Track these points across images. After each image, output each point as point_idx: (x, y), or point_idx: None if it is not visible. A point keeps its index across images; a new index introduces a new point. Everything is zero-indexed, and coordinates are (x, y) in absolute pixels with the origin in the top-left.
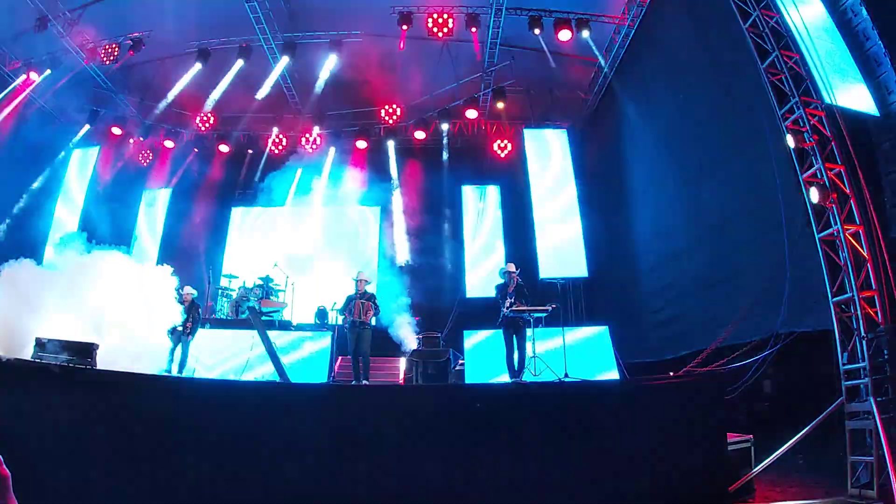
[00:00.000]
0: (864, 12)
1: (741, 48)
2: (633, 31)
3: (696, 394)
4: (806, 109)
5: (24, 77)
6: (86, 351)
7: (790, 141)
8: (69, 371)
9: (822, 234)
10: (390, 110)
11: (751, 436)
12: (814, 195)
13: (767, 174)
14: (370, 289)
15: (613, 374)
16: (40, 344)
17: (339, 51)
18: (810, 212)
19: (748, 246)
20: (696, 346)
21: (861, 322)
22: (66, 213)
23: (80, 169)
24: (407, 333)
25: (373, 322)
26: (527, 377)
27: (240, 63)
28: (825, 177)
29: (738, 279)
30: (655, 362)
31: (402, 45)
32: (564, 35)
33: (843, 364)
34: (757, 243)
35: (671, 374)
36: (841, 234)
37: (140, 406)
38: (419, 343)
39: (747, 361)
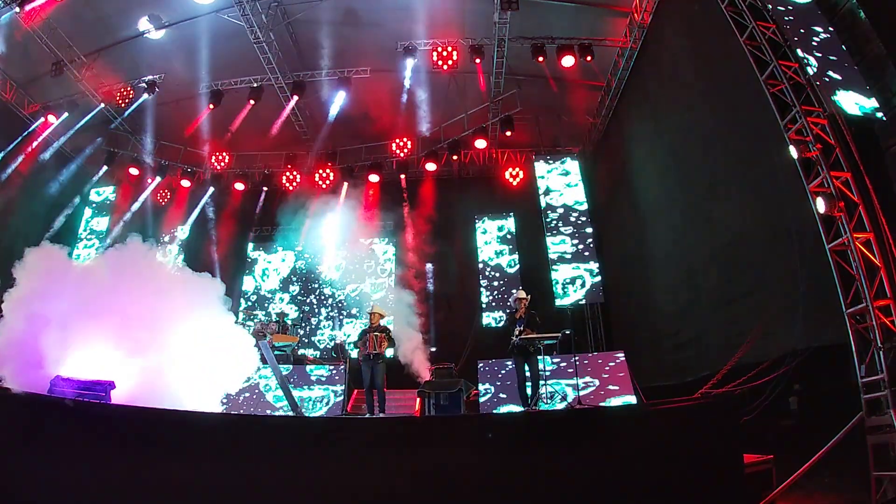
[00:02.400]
0: (863, 15)
1: (741, 62)
2: (636, 53)
3: (710, 416)
4: (808, 118)
5: (42, 120)
6: (99, 387)
7: (794, 151)
8: (83, 406)
9: (832, 245)
10: (401, 143)
11: (771, 456)
12: (821, 205)
13: (776, 187)
14: (384, 322)
15: (630, 400)
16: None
17: (348, 87)
18: (819, 222)
19: (762, 262)
20: (714, 366)
21: (877, 332)
22: (86, 253)
23: (98, 209)
24: (421, 365)
25: (388, 354)
26: (540, 405)
27: (252, 103)
28: (832, 185)
29: (753, 296)
30: (674, 385)
31: (408, 80)
32: (568, 61)
33: (862, 377)
34: (771, 258)
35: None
36: (851, 244)
37: (151, 439)
38: (433, 374)
39: (765, 380)
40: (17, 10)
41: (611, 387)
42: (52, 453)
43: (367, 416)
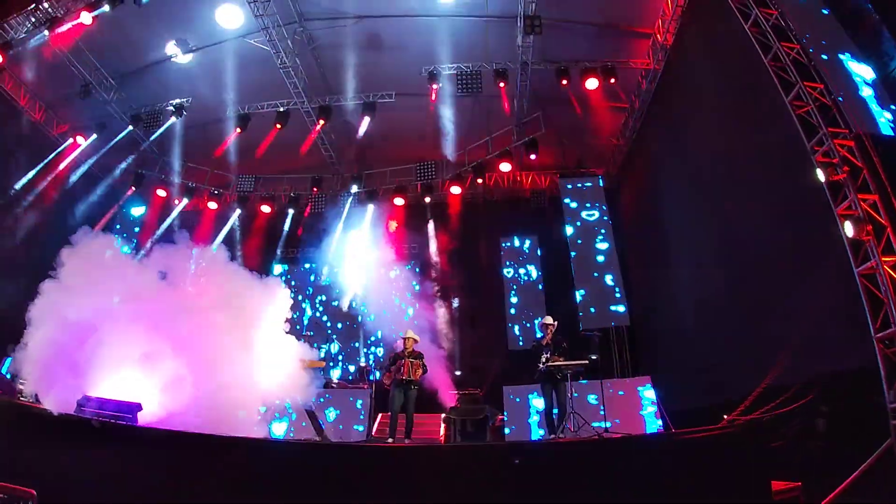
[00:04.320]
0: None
1: (766, 83)
2: (660, 75)
3: (739, 444)
4: (834, 140)
5: (70, 140)
6: (127, 409)
7: (821, 175)
8: (109, 427)
9: (860, 269)
10: (426, 167)
11: (799, 483)
12: (849, 229)
13: (803, 210)
14: (417, 347)
15: (658, 426)
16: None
17: (373, 111)
18: (847, 246)
19: (789, 285)
20: (741, 391)
21: None
22: None
23: (126, 229)
24: (447, 390)
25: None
26: (567, 432)
27: (278, 126)
28: (859, 208)
29: (781, 319)
30: (701, 409)
31: (432, 104)
32: (592, 83)
33: (890, 402)
34: (798, 281)
35: (723, 419)
36: (880, 267)
37: (177, 462)
38: (458, 400)
39: (794, 406)
40: (47, 33)
41: (636, 412)
42: (78, 474)
43: (390, 440)
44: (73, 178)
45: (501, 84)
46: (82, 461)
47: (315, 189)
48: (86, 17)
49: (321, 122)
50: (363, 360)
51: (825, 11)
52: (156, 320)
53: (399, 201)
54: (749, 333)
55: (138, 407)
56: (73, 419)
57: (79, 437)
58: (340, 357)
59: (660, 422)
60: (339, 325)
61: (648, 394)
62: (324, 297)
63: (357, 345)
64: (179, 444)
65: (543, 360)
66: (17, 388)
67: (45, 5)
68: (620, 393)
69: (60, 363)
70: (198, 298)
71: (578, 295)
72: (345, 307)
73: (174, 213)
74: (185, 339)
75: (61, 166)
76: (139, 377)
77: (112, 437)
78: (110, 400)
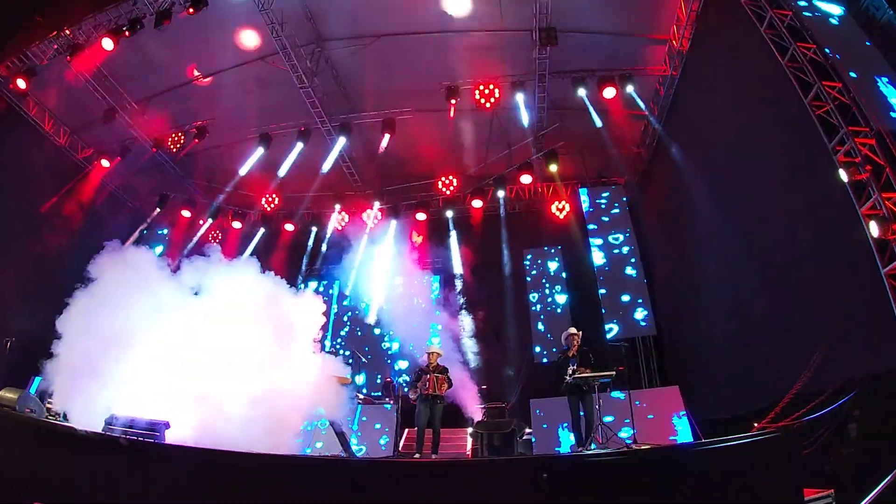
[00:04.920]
0: None
1: (784, 83)
2: (677, 80)
3: (770, 453)
4: (856, 139)
5: (95, 164)
6: (154, 427)
7: (843, 175)
8: (136, 444)
9: (887, 269)
10: (447, 181)
11: (831, 490)
12: (874, 229)
13: (828, 211)
14: (441, 362)
15: (686, 436)
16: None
17: (392, 128)
18: (873, 246)
19: (817, 288)
20: (770, 398)
21: None
22: None
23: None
24: (472, 404)
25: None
26: (594, 445)
27: (300, 145)
28: (884, 207)
29: (810, 323)
30: (731, 418)
31: (451, 118)
32: (609, 92)
33: None
34: (827, 283)
35: (753, 427)
36: None
37: (203, 479)
38: (484, 413)
39: (825, 412)
40: (69, 59)
41: (664, 423)
42: (105, 493)
43: (417, 456)
44: (99, 200)
45: (519, 96)
46: (110, 480)
47: (337, 206)
48: (107, 43)
49: (342, 139)
50: (389, 375)
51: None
52: (188, 333)
53: (421, 216)
54: (778, 339)
55: (166, 425)
56: (100, 437)
57: (106, 455)
58: (364, 372)
59: (689, 432)
60: (364, 341)
61: (677, 403)
62: (348, 313)
63: (378, 362)
64: (206, 461)
65: (570, 371)
66: (46, 407)
67: (67, 32)
68: (647, 404)
69: (90, 377)
70: (231, 310)
71: (603, 305)
72: (370, 322)
73: (199, 232)
74: (221, 353)
75: (86, 189)
76: (171, 393)
77: (140, 456)
78: (138, 418)
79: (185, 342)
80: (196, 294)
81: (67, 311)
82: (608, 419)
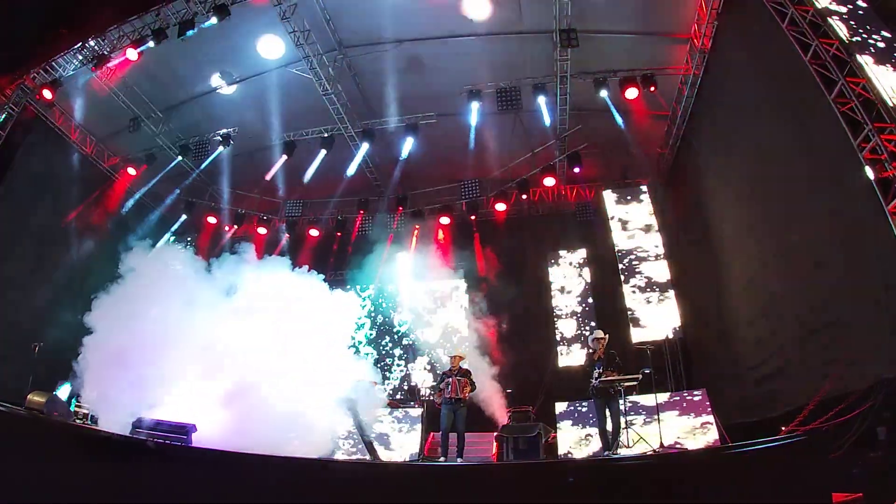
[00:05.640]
0: None
1: (807, 80)
2: (700, 80)
3: (798, 456)
4: (881, 136)
5: (121, 172)
6: (181, 430)
7: (869, 172)
8: (163, 448)
9: None
10: (470, 185)
11: (860, 494)
12: None
13: (855, 209)
14: (464, 365)
15: (713, 440)
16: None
17: (415, 132)
18: None
19: (845, 288)
20: (798, 400)
21: None
22: None
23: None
24: (498, 408)
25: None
26: (620, 449)
27: (323, 152)
28: None
29: (838, 325)
30: (758, 422)
31: (473, 122)
32: (631, 93)
33: None
34: (854, 283)
35: (781, 431)
36: None
37: (230, 482)
38: (509, 417)
39: (853, 414)
40: (95, 70)
41: (694, 427)
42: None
43: (442, 459)
44: (125, 208)
45: (541, 98)
46: (136, 484)
47: (361, 211)
48: (131, 54)
49: (365, 145)
50: (414, 379)
51: None
52: (220, 335)
53: (445, 220)
54: (805, 341)
55: (193, 428)
56: (127, 440)
57: (133, 458)
58: (388, 376)
59: (716, 435)
60: (388, 345)
61: (704, 407)
62: (374, 318)
63: (403, 365)
64: (232, 464)
65: (596, 375)
66: (73, 411)
67: (92, 43)
68: (674, 407)
69: (119, 378)
70: (265, 309)
71: (629, 307)
72: (394, 326)
73: (226, 238)
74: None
75: (113, 197)
76: (201, 394)
77: (167, 459)
78: (165, 421)
79: (217, 341)
80: (229, 293)
81: (97, 306)
82: (634, 423)
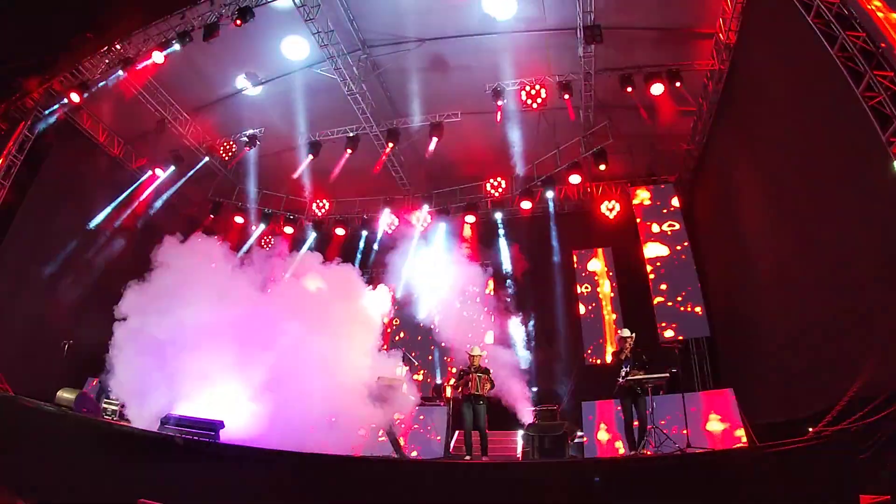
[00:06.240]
0: None
1: (834, 74)
2: (725, 75)
3: (826, 457)
4: None
5: (149, 173)
6: (210, 426)
7: None
8: (192, 444)
9: None
10: (495, 183)
11: (888, 497)
12: None
13: (884, 205)
14: (484, 363)
15: (741, 439)
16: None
17: (440, 131)
18: None
19: (874, 287)
20: (827, 401)
21: None
22: None
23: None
24: (523, 406)
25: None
26: (648, 448)
27: (349, 151)
28: None
29: (868, 323)
30: (786, 422)
31: (498, 120)
32: (657, 89)
33: None
34: (883, 281)
35: (808, 431)
36: None
37: (259, 479)
38: (535, 416)
39: (882, 414)
40: (122, 72)
41: (721, 427)
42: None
43: (467, 457)
44: (153, 208)
45: (566, 95)
46: (165, 480)
47: (387, 210)
48: (157, 56)
49: (390, 144)
50: (439, 377)
51: None
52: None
53: (470, 218)
54: (833, 340)
55: (221, 424)
56: (156, 437)
57: (162, 455)
58: (416, 374)
59: (743, 435)
60: (415, 343)
61: (731, 406)
62: (399, 315)
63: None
64: (261, 461)
65: (623, 374)
66: (102, 407)
67: (118, 47)
68: (701, 407)
69: (151, 371)
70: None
71: (656, 305)
72: (420, 324)
73: (252, 238)
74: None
75: (141, 198)
76: (232, 391)
77: (195, 455)
78: (193, 417)
79: (247, 337)
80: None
81: (129, 295)
82: (661, 422)
